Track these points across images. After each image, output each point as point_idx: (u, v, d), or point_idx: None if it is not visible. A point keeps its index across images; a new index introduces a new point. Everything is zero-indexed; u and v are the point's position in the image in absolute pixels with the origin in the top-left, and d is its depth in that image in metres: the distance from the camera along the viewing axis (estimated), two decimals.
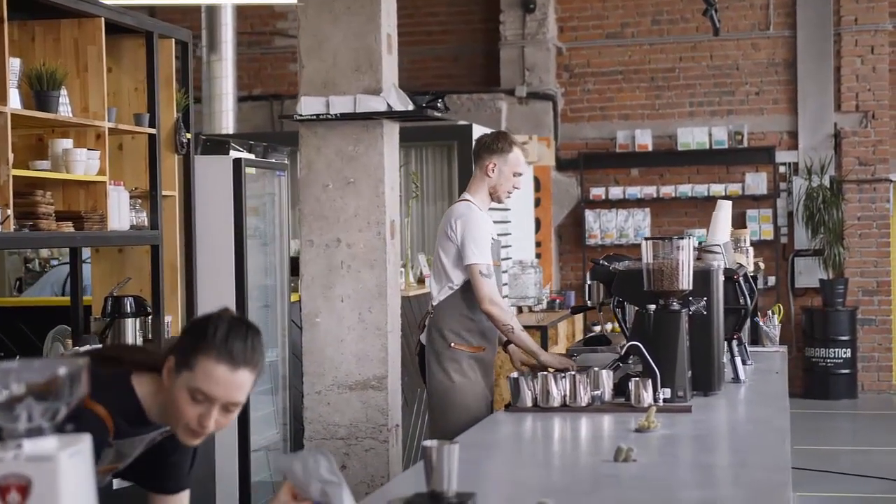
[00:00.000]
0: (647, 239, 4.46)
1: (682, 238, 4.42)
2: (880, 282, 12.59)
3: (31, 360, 1.78)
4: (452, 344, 5.19)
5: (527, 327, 9.01)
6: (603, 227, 12.91)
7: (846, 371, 12.26)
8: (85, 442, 1.77)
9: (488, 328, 5.23)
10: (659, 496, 2.94)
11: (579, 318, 11.24)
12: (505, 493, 3.03)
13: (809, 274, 12.56)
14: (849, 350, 12.24)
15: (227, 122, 10.65)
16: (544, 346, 8.81)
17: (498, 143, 5.29)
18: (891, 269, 12.65)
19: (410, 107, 5.83)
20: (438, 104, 6.15)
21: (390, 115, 5.80)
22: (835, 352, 12.21)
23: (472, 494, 2.77)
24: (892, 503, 8.01)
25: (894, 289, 12.74)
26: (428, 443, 2.72)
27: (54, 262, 8.37)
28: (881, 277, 12.59)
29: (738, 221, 12.37)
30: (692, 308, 4.45)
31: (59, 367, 1.77)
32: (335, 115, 5.77)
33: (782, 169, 12.72)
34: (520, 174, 5.32)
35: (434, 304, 5.29)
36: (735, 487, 3.01)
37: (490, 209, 9.25)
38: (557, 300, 11.19)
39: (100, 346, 4.79)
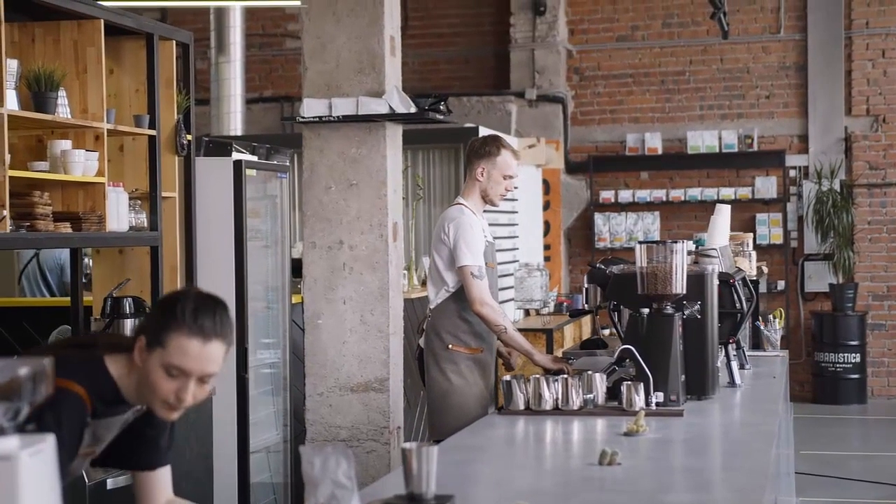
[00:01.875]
0: (641, 243, 4.47)
1: (677, 242, 4.41)
2: (890, 286, 12.54)
3: None
4: (450, 346, 5.24)
5: (533, 330, 9.08)
6: (612, 230, 12.90)
7: (856, 376, 12.22)
8: (47, 442, 1.78)
9: (485, 330, 5.26)
10: (638, 500, 2.94)
11: (587, 321, 11.24)
12: (486, 496, 3.04)
13: (819, 278, 12.52)
14: (858, 355, 12.19)
15: (234, 123, 10.67)
16: (549, 350, 8.81)
17: (486, 146, 5.35)
18: None
19: (412, 109, 5.84)
20: (441, 107, 6.15)
21: (393, 117, 5.81)
22: (844, 356, 12.17)
23: (450, 497, 2.78)
24: None
25: None
26: (407, 445, 2.73)
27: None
28: (891, 282, 12.54)
29: (748, 225, 12.35)
30: (686, 312, 4.45)
31: (20, 367, 1.78)
32: (337, 117, 5.79)
33: (792, 173, 12.68)
34: (510, 177, 5.35)
35: (431, 307, 5.35)
36: (713, 492, 3.02)
37: (497, 212, 9.28)
38: (565, 303, 11.19)
39: (74, 335, 4.85)
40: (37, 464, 1.75)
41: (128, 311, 5.39)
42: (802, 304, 12.62)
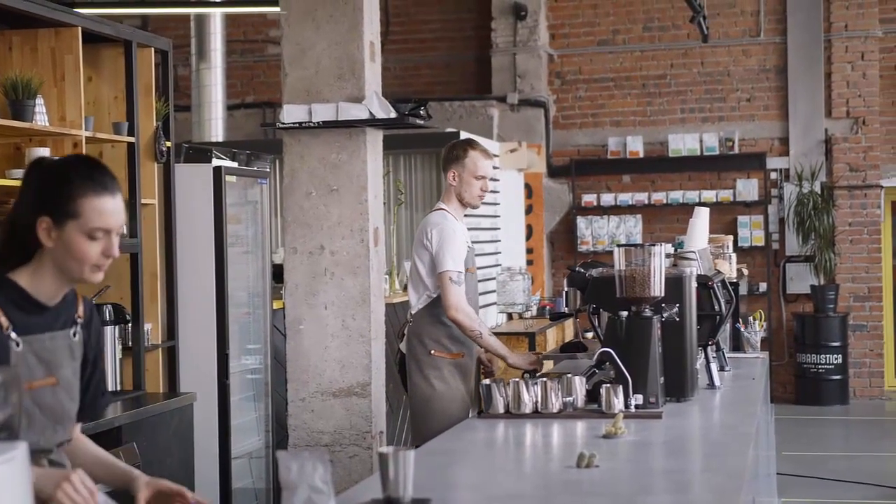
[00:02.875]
0: (619, 246, 4.48)
1: (655, 245, 4.43)
2: (871, 287, 12.60)
3: None
4: (432, 351, 5.26)
5: (515, 334, 9.09)
6: (595, 233, 12.92)
7: (837, 377, 12.27)
8: (19, 449, 1.78)
9: None
10: (616, 502, 2.95)
11: (570, 324, 11.26)
12: (464, 499, 3.05)
13: (801, 280, 12.57)
14: (840, 356, 12.24)
15: (216, 130, 10.66)
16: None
17: (454, 150, 5.42)
18: (882, 275, 12.66)
19: (392, 114, 5.85)
20: (421, 112, 6.17)
21: (373, 122, 5.82)
22: (826, 358, 12.22)
23: (427, 500, 2.79)
24: None
25: (885, 294, 12.76)
26: (383, 449, 2.74)
27: None
28: (872, 283, 12.60)
29: (729, 228, 12.40)
30: (664, 314, 4.47)
31: None
32: (318, 122, 5.79)
33: (773, 175, 12.73)
34: (482, 177, 5.38)
35: (412, 312, 5.37)
36: (691, 493, 3.02)
37: (479, 215, 9.29)
38: (548, 307, 11.20)
39: None
40: (9, 472, 1.75)
41: (108, 317, 5.38)
42: (784, 305, 12.67)
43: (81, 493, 2.57)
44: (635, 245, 4.46)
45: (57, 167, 2.76)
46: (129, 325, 5.59)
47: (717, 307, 5.03)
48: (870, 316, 12.60)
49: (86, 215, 2.69)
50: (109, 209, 2.71)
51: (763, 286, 12.54)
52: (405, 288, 8.31)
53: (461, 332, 5.22)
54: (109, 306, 5.42)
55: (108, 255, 2.73)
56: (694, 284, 4.69)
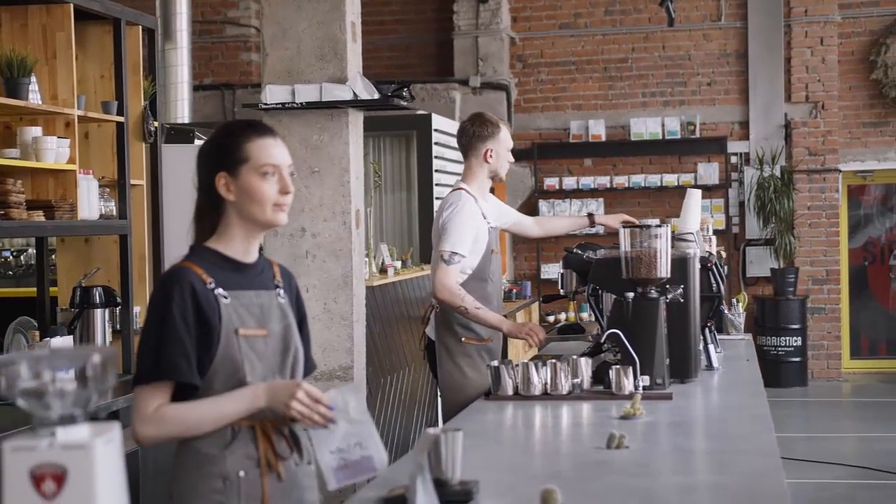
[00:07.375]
0: (625, 226, 4.48)
1: (661, 226, 4.43)
2: (830, 271, 12.75)
3: (63, 347, 1.76)
4: (463, 339, 5.14)
5: None
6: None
7: (797, 359, 12.41)
8: (115, 430, 1.74)
9: None
10: (658, 481, 2.95)
11: (535, 307, 11.30)
12: (506, 481, 3.03)
13: (760, 263, 12.70)
14: (799, 338, 12.39)
15: (182, 111, 10.52)
16: (504, 339, 8.79)
17: (487, 128, 5.29)
18: (840, 259, 12.82)
19: (376, 95, 5.82)
20: (404, 93, 6.15)
21: (356, 104, 5.78)
22: (785, 340, 12.36)
23: (475, 482, 2.77)
24: (841, 488, 8.12)
25: (843, 277, 12.92)
26: (432, 430, 2.72)
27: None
28: (831, 266, 12.75)
29: None
30: (670, 296, 4.47)
31: (91, 355, 1.75)
32: (301, 103, 5.74)
33: (734, 159, 12.83)
34: (511, 147, 5.39)
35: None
36: (732, 474, 3.00)
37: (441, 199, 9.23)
38: (514, 290, 11.24)
39: None
40: (109, 451, 1.72)
41: (97, 300, 5.29)
42: (744, 288, 12.78)
43: (309, 406, 2.70)
44: (641, 226, 4.46)
45: (218, 131, 2.95)
46: (119, 307, 5.50)
47: (715, 288, 5.05)
48: (828, 299, 12.75)
49: (254, 155, 2.84)
50: (274, 147, 2.88)
51: (724, 269, 12.62)
52: (382, 271, 8.27)
53: (449, 310, 5.10)
54: (99, 289, 5.34)
55: (284, 192, 2.87)
56: (697, 265, 4.70)
